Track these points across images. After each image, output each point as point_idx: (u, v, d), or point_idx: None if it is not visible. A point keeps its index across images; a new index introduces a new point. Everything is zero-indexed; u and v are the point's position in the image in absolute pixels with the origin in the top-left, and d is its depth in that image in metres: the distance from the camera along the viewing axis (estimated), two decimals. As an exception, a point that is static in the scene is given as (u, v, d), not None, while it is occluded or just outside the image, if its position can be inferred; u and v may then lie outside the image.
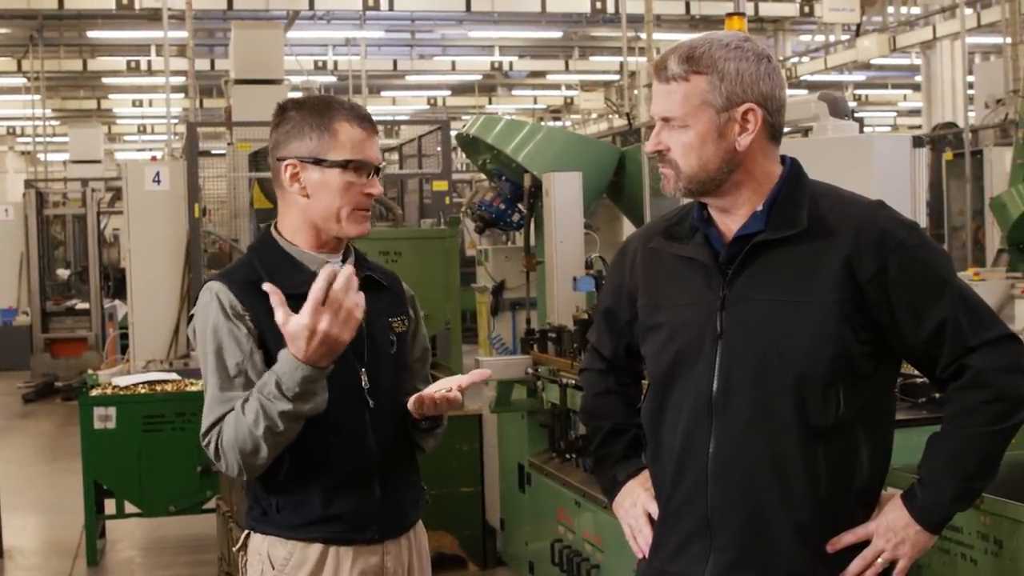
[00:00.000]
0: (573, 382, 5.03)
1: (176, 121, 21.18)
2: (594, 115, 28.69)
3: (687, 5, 19.77)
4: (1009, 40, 14.51)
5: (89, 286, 15.15)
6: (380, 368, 2.77)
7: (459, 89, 28.85)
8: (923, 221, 5.67)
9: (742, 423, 2.40)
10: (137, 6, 17.66)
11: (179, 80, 18.35)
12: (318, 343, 2.50)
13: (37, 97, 22.66)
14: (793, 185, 2.47)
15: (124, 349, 10.62)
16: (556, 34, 23.57)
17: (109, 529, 7.72)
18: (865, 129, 22.07)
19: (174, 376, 7.41)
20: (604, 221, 6.59)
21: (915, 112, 27.45)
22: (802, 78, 23.09)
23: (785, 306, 2.39)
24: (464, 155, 8.69)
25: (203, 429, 2.69)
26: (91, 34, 21.60)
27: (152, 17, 17.90)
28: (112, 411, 6.92)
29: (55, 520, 8.37)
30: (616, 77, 22.84)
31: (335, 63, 23.46)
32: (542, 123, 30.22)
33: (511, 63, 25.95)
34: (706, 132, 2.41)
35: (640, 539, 2.62)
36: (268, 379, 2.58)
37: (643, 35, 14.95)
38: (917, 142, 5.33)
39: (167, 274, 9.67)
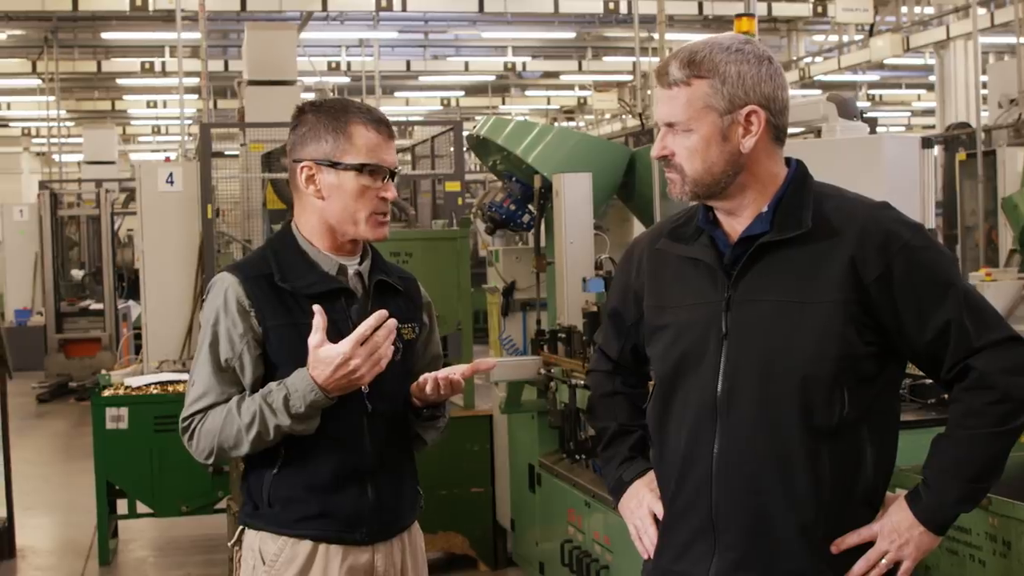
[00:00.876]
0: (583, 383, 5.03)
1: (190, 122, 21.21)
2: (607, 115, 28.64)
3: (700, 5, 19.73)
4: (1023, 40, 14.44)
5: (103, 287, 15.20)
6: (382, 374, 2.76)
7: (472, 90, 28.85)
8: (932, 222, 5.65)
9: (747, 424, 2.41)
10: (151, 8, 17.69)
11: (193, 81, 18.37)
12: (343, 374, 2.60)
13: (52, 98, 22.72)
14: (798, 186, 2.48)
15: (138, 349, 10.64)
16: (569, 35, 23.54)
17: (122, 529, 7.75)
18: (879, 129, 22.05)
19: (186, 376, 7.42)
20: (615, 222, 6.58)
21: (929, 112, 27.36)
22: (815, 78, 23.03)
23: (790, 307, 2.40)
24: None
25: (186, 412, 2.76)
26: (105, 35, 21.62)
27: (166, 18, 17.93)
28: (124, 411, 6.95)
29: (68, 520, 8.41)
30: (629, 77, 22.81)
31: (348, 64, 23.47)
32: (555, 123, 30.26)
33: (524, 64, 25.93)
34: (710, 136, 2.42)
35: (645, 539, 2.64)
36: (276, 391, 2.63)
37: (656, 35, 14.92)
38: (926, 143, 5.31)
39: (180, 275, 9.68)
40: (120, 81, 25.21)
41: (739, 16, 6.02)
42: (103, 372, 7.78)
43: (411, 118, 28.32)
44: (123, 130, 31.71)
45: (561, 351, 5.59)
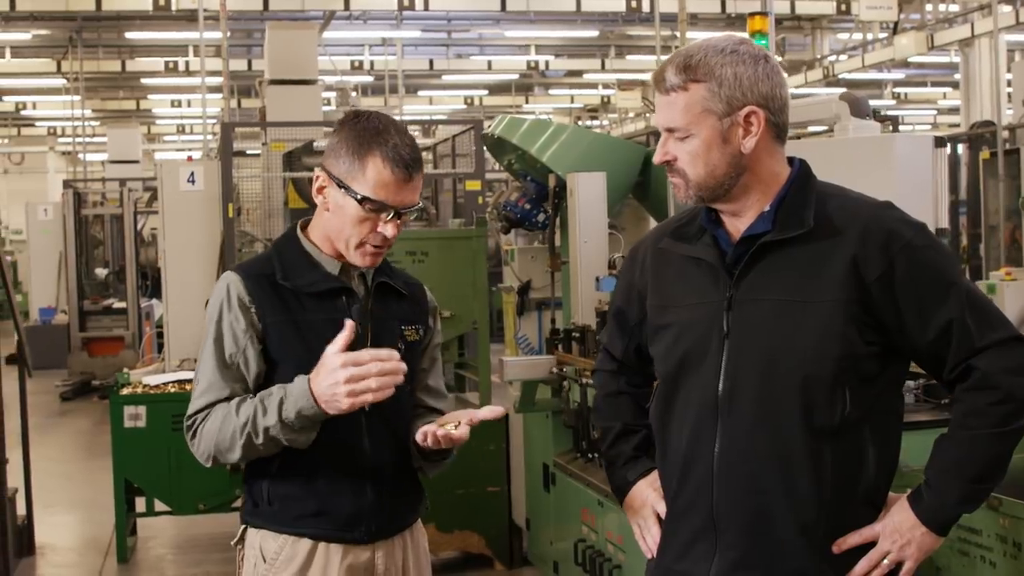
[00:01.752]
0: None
1: (213, 121, 21.30)
2: (631, 114, 28.60)
3: (722, 3, 19.66)
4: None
5: (126, 285, 15.28)
6: None
7: (496, 89, 28.86)
8: (945, 221, 5.61)
9: (748, 423, 2.41)
10: (173, 7, 17.77)
11: (216, 80, 18.45)
12: (331, 382, 2.56)
13: (77, 98, 22.85)
14: (800, 186, 2.48)
15: (161, 348, 10.68)
16: (592, 33, 23.52)
17: (141, 527, 7.79)
18: (905, 128, 21.93)
19: (204, 375, 7.44)
20: (630, 221, 6.58)
21: (955, 111, 27.21)
22: (840, 76, 22.94)
23: (791, 306, 2.39)
24: (495, 155, 8.69)
25: (192, 409, 2.77)
26: (129, 35, 21.72)
27: (189, 18, 18.02)
28: (142, 410, 6.98)
29: (89, 517, 8.45)
30: (652, 76, 22.73)
31: (371, 63, 23.51)
32: (578, 122, 30.24)
33: (547, 62, 25.92)
34: (710, 139, 2.42)
35: (648, 539, 2.64)
36: (276, 392, 2.66)
37: (678, 34, 14.88)
38: (939, 141, 5.28)
39: (202, 274, 9.71)
40: (144, 80, 25.34)
41: (752, 15, 6.01)
42: (124, 371, 7.81)
43: (435, 117, 28.34)
44: (148, 129, 31.89)
45: (575, 350, 5.59)
